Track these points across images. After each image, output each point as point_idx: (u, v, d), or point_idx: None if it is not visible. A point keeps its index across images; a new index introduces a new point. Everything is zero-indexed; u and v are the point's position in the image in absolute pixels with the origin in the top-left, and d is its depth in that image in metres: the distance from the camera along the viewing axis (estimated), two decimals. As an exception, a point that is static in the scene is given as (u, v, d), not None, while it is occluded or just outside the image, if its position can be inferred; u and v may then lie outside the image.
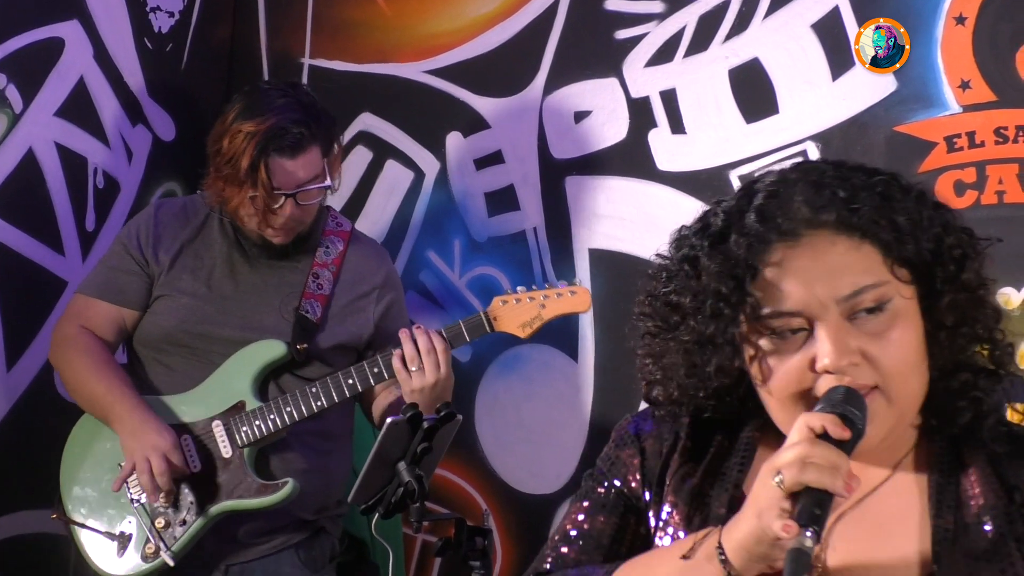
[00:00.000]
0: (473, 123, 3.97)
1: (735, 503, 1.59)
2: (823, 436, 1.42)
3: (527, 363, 3.87)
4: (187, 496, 3.09)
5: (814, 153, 3.50)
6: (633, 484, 1.72)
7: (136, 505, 3.11)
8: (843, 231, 1.53)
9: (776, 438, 1.64)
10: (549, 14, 3.84)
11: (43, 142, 3.65)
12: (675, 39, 3.66)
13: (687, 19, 3.64)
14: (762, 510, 1.41)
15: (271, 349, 3.17)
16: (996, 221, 3.29)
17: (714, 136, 3.61)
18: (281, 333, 3.19)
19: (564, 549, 1.76)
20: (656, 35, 3.69)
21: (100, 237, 3.80)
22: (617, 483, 1.74)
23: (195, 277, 3.23)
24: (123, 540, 3.11)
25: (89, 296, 3.26)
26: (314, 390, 3.09)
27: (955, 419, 1.58)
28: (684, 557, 1.50)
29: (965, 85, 3.30)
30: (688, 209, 3.53)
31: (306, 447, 3.20)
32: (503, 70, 3.92)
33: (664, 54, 3.68)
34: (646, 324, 1.72)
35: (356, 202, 4.12)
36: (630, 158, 3.71)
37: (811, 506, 1.37)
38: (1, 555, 3.58)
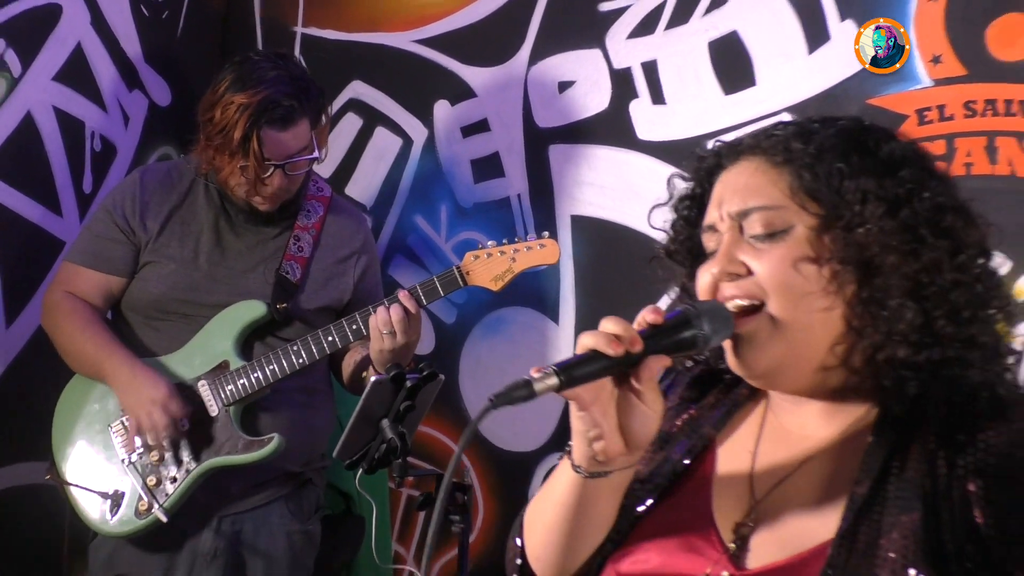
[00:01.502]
0: (460, 92, 3.99)
1: (696, 452, 1.65)
2: (650, 327, 1.49)
3: (510, 325, 3.89)
4: (177, 453, 3.12)
5: (790, 125, 3.50)
6: None
7: (127, 464, 3.13)
8: (758, 155, 1.61)
9: (762, 398, 1.71)
10: (536, -15, 3.86)
11: (41, 106, 3.67)
12: (657, 12, 3.66)
13: (669, -8, 3.65)
14: None
15: (251, 309, 3.18)
16: (963, 192, 3.30)
17: (693, 107, 3.61)
18: (265, 295, 3.20)
19: None
20: (638, 7, 3.68)
21: (97, 199, 3.82)
22: None
23: (182, 244, 3.24)
24: (116, 498, 3.12)
25: (77, 264, 3.27)
26: (296, 348, 3.11)
27: (902, 389, 1.51)
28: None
29: (936, 60, 3.28)
30: (667, 178, 3.58)
31: (290, 403, 3.22)
32: (490, 40, 3.93)
33: (646, 26, 3.68)
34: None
35: (346, 168, 4.16)
36: (612, 127, 3.72)
37: (574, 358, 1.44)
38: (0, 503, 3.63)
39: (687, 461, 1.65)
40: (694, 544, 1.57)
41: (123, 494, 3.12)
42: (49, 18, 3.65)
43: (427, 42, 4.03)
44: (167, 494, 3.10)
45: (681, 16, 3.62)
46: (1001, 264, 3.23)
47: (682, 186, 1.74)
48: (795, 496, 1.55)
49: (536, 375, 1.40)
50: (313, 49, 4.17)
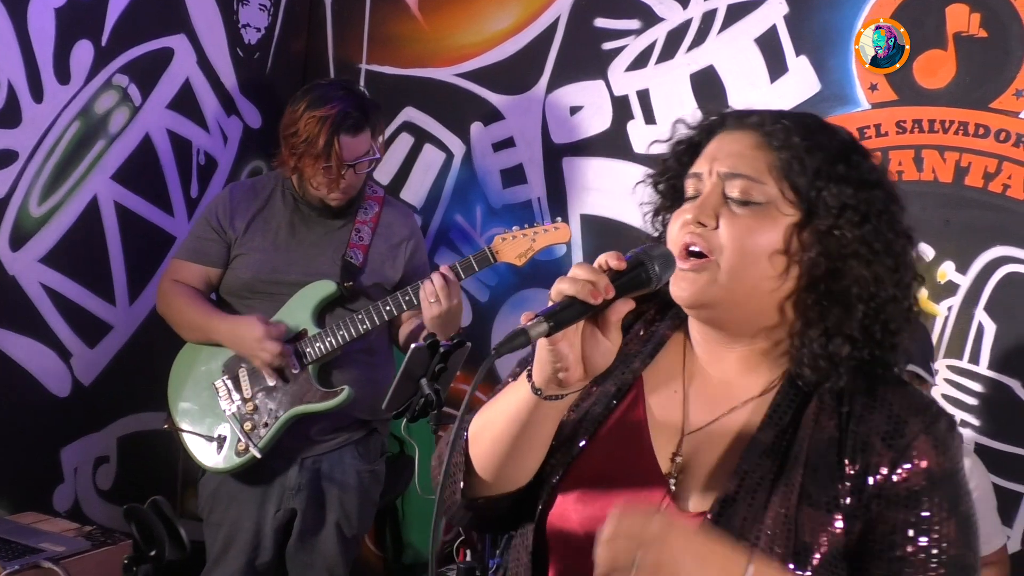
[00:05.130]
0: (491, 115, 3.94)
1: (626, 389, 1.53)
2: (609, 270, 1.35)
3: (531, 303, 3.75)
4: (267, 404, 3.15)
5: (755, 142, 3.48)
6: None
7: (228, 414, 3.17)
8: (758, 132, 1.47)
9: (681, 340, 1.57)
10: (551, 29, 3.81)
11: (157, 129, 3.69)
12: (648, 50, 3.64)
13: (658, 34, 3.62)
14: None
15: (324, 288, 3.19)
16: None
17: (678, 127, 3.57)
18: (332, 276, 3.21)
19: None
20: (634, 46, 3.66)
21: (202, 203, 3.83)
22: None
23: (264, 237, 3.26)
24: (220, 441, 3.17)
25: (182, 260, 3.32)
26: (360, 317, 3.12)
27: (813, 372, 1.43)
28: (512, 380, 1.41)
29: (873, 87, 3.28)
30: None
31: (356, 362, 3.23)
32: (515, 74, 3.89)
33: (640, 61, 3.65)
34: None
35: (400, 177, 4.11)
36: (613, 143, 3.69)
37: (557, 305, 1.31)
38: (126, 445, 3.68)
39: (615, 401, 1.52)
40: (638, 478, 1.46)
41: (225, 438, 3.16)
42: (163, 59, 3.68)
43: (465, 75, 3.98)
44: (260, 437, 3.14)
45: (668, 53, 3.60)
46: (925, 252, 3.25)
47: (683, 132, 1.59)
48: (710, 445, 1.46)
49: (528, 323, 1.28)
50: (375, 81, 4.08)
